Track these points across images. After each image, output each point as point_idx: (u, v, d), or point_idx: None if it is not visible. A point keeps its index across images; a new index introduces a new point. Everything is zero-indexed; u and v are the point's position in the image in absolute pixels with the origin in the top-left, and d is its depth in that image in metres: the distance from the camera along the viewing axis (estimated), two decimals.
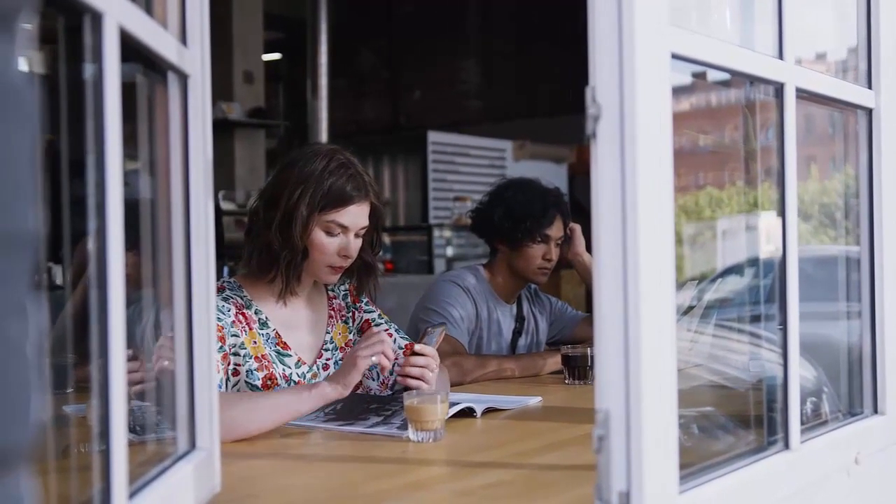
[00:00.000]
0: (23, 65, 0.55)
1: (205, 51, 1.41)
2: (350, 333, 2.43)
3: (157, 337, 1.47)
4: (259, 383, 2.19)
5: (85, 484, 1.15)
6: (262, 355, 2.21)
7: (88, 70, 1.02)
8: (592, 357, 2.71)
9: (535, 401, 2.39)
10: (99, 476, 1.03)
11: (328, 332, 2.38)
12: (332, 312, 2.41)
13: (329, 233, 2.23)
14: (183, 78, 1.36)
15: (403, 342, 2.43)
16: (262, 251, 2.24)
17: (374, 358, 2.02)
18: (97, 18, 1.01)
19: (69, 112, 1.04)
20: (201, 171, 1.40)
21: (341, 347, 2.39)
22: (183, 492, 1.29)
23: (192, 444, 1.39)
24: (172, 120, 1.36)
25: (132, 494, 1.10)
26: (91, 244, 1.01)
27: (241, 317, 2.21)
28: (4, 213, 0.50)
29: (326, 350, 2.37)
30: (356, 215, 2.25)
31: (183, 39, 1.36)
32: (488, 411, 2.22)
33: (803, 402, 1.69)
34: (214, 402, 1.43)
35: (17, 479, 0.53)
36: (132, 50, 1.12)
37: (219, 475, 1.45)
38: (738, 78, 1.64)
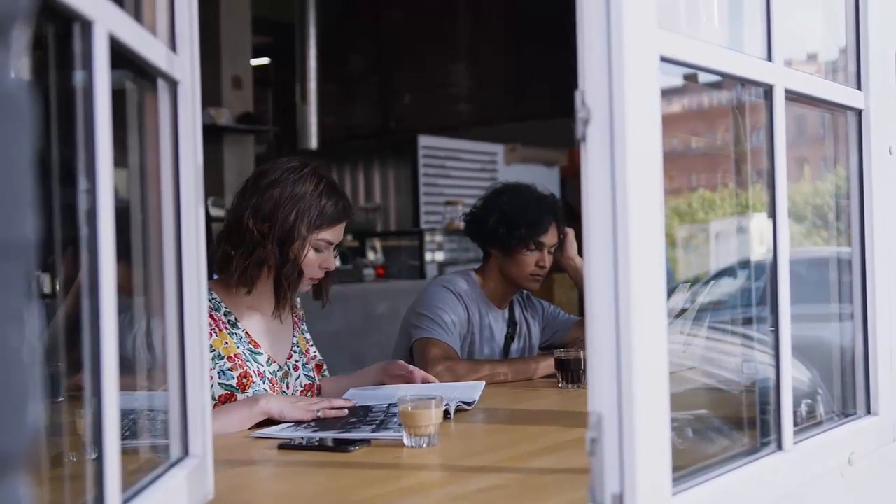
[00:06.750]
0: (18, 72, 0.54)
1: (194, 57, 1.41)
2: (307, 342, 2.56)
3: (148, 346, 1.47)
4: (234, 382, 2.26)
5: (76, 492, 1.15)
6: (235, 355, 2.29)
7: (78, 77, 1.02)
8: (586, 360, 2.72)
9: (480, 385, 2.46)
10: (92, 484, 1.03)
11: (294, 336, 2.50)
12: (296, 320, 2.53)
13: (317, 249, 2.34)
14: (173, 84, 1.36)
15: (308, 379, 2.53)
16: (255, 266, 2.30)
17: (319, 413, 2.15)
18: (87, 26, 1.01)
19: (58, 119, 1.04)
20: (192, 178, 1.39)
21: (304, 352, 2.51)
22: (176, 499, 1.29)
23: (185, 452, 1.39)
24: (162, 127, 1.36)
25: (125, 502, 1.09)
26: (83, 252, 1.01)
27: (209, 319, 2.25)
28: (3, 220, 0.51)
29: (295, 352, 2.48)
30: (341, 231, 2.39)
31: (172, 46, 1.36)
32: (461, 410, 2.25)
33: (798, 404, 1.69)
34: (207, 409, 1.42)
35: (15, 485, 0.53)
36: (120, 56, 1.12)
37: (212, 482, 1.44)
38: (728, 80, 1.65)
